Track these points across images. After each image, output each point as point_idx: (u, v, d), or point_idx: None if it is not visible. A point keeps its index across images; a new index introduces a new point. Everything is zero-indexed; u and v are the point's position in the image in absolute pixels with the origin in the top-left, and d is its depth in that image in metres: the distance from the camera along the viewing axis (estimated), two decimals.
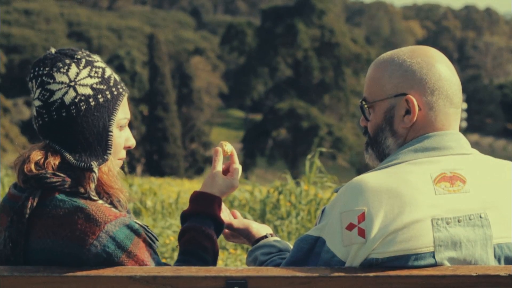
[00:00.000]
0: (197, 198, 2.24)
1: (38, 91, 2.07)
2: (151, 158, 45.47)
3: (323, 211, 1.98)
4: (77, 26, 64.81)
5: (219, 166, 2.29)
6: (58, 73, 2.05)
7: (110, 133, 2.08)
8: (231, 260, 5.98)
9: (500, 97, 66.72)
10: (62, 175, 2.04)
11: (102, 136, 2.07)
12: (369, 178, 1.91)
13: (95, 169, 2.05)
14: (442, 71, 2.01)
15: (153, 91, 46.38)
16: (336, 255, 1.89)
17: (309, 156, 7.78)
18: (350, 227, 1.87)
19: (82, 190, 2.03)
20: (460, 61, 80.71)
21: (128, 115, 2.15)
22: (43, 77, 2.06)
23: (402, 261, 1.85)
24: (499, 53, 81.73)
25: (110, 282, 1.84)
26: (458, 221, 1.88)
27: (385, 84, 2.03)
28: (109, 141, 2.08)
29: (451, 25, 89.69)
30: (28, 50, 56.15)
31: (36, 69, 2.08)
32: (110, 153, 2.08)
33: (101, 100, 2.06)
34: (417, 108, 1.99)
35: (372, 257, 1.86)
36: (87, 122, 2.05)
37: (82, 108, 2.04)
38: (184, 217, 2.24)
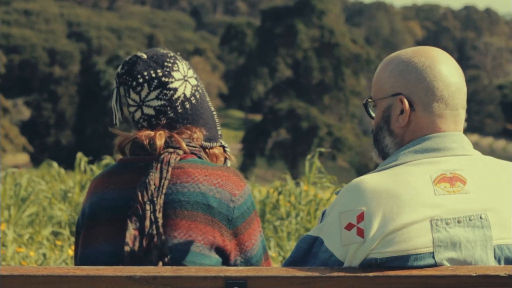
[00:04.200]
0: None
1: (156, 92, 2.19)
2: None
3: (323, 213, 1.99)
4: (77, 26, 64.72)
5: None
6: (173, 71, 2.21)
7: (215, 115, 2.29)
8: None
9: (500, 97, 66.70)
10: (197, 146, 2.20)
11: (213, 118, 2.28)
12: (368, 179, 1.91)
13: (226, 145, 2.27)
14: (440, 72, 1.99)
15: None
16: (334, 254, 1.89)
17: (308, 157, 7.78)
18: (349, 227, 1.87)
19: None
20: (460, 61, 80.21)
21: None
22: (162, 78, 2.19)
23: (401, 261, 1.85)
24: (499, 53, 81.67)
25: (110, 282, 1.83)
26: (458, 221, 1.88)
27: (384, 83, 2.03)
28: (217, 122, 2.29)
29: (451, 25, 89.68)
30: (28, 50, 56.11)
31: (145, 73, 2.19)
32: (221, 133, 2.29)
33: (202, 89, 2.28)
34: (408, 108, 1.99)
35: (371, 257, 1.86)
36: (203, 108, 2.25)
37: (198, 97, 2.24)
38: None
